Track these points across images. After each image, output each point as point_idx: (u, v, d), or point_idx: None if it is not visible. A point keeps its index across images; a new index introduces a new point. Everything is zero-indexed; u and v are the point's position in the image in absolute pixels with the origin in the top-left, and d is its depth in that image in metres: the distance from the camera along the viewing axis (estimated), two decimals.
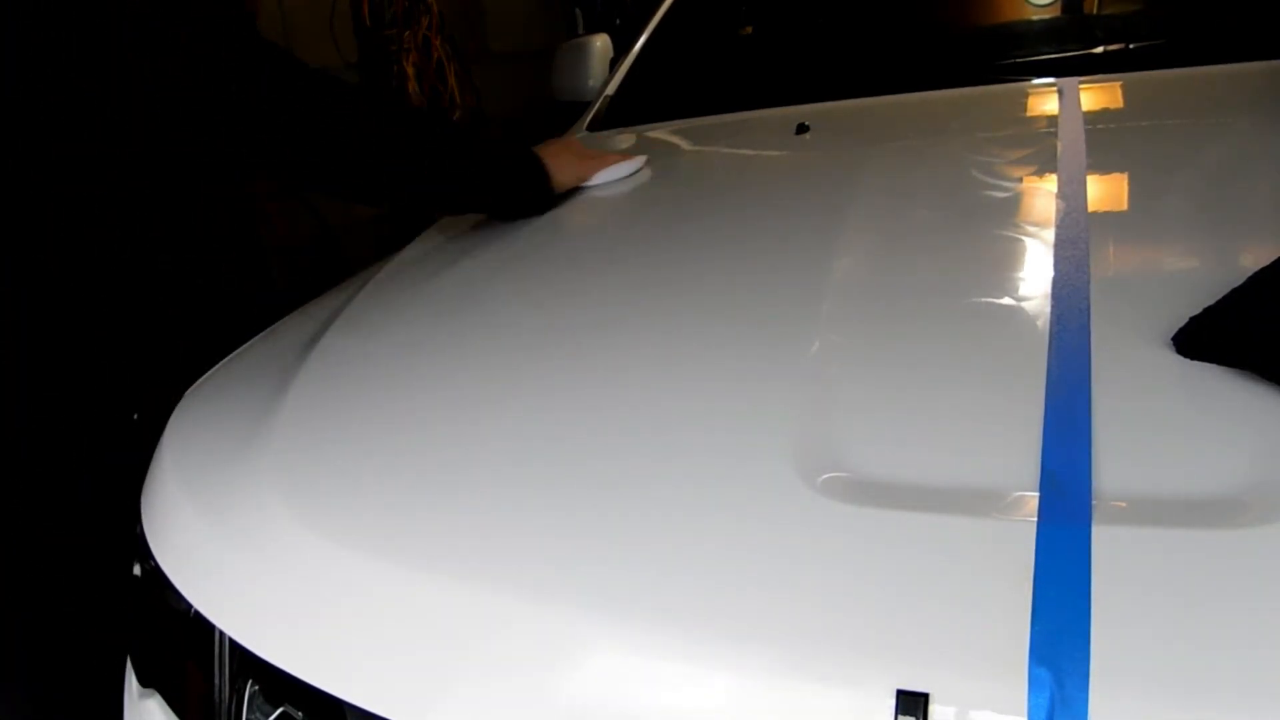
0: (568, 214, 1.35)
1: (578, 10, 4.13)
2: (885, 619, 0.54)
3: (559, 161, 1.29)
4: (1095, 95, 1.35)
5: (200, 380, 1.08)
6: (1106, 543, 0.54)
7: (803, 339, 0.81)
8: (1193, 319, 0.72)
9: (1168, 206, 0.99)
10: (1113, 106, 1.35)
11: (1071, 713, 0.48)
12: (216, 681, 0.75)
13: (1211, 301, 0.73)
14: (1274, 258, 0.76)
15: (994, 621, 0.52)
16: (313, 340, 1.04)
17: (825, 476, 0.64)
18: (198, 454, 0.90)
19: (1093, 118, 1.24)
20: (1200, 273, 0.84)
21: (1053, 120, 1.24)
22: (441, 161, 1.20)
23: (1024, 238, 0.93)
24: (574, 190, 1.33)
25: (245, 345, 1.15)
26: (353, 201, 1.25)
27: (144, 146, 1.24)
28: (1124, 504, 0.57)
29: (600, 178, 1.32)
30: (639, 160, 1.36)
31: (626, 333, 0.90)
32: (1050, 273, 0.83)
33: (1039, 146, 1.18)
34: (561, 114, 1.93)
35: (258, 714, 0.73)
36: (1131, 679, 0.48)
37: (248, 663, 0.72)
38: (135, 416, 1.01)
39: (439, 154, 1.19)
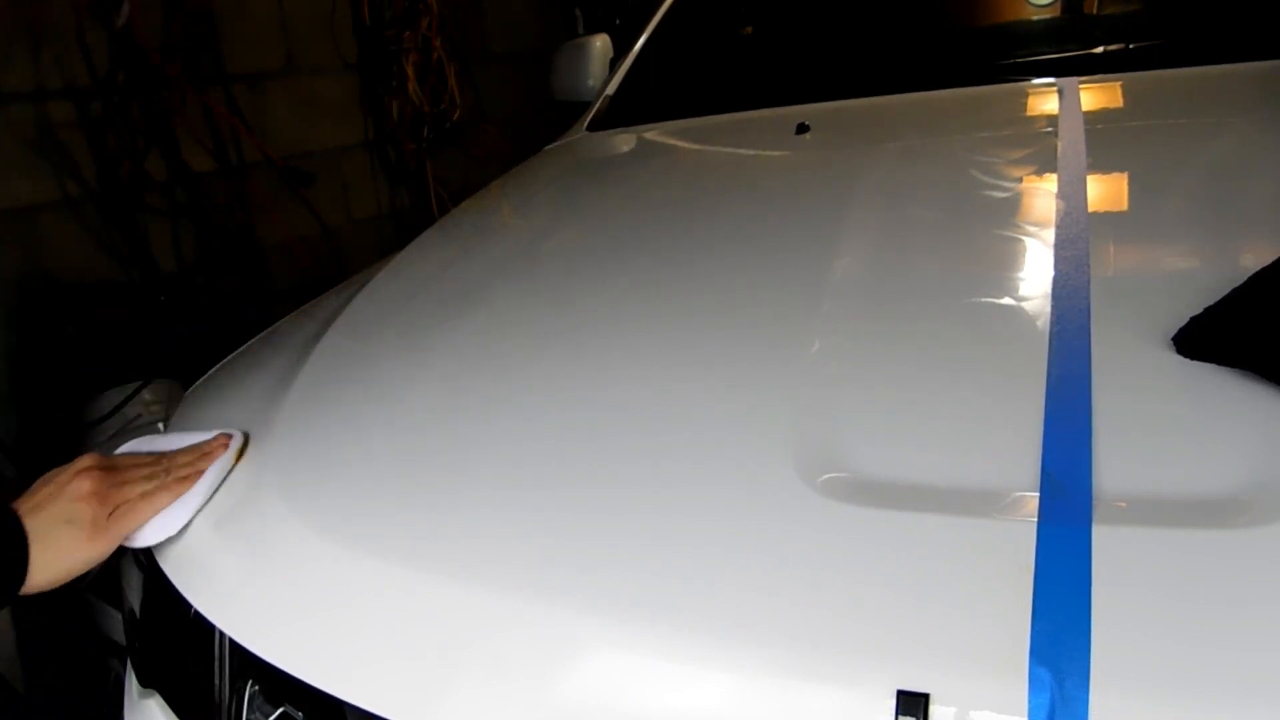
0: (566, 214, 1.35)
1: (578, 10, 4.12)
2: (885, 619, 0.54)
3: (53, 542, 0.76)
4: (1095, 95, 1.34)
5: (200, 380, 1.08)
6: (1106, 543, 0.54)
7: (803, 339, 0.81)
8: (1193, 319, 0.72)
9: (1168, 206, 0.99)
10: (1112, 106, 1.35)
11: (1071, 713, 0.48)
12: (216, 681, 0.75)
13: (1211, 301, 0.73)
14: (1274, 258, 0.76)
15: (994, 621, 0.52)
16: (313, 340, 1.04)
17: (825, 476, 0.64)
18: None
19: (1093, 118, 1.24)
20: (1200, 273, 0.84)
21: (1053, 120, 1.24)
22: None
23: (1024, 238, 0.93)
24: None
25: (245, 345, 1.15)
26: None
27: None
28: (1124, 504, 0.57)
29: (149, 531, 0.79)
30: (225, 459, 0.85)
31: (627, 333, 0.90)
32: (1050, 273, 0.83)
33: (1039, 146, 1.18)
34: (561, 114, 1.92)
35: (258, 714, 0.73)
36: (1131, 679, 0.48)
37: (248, 663, 0.72)
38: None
39: None
